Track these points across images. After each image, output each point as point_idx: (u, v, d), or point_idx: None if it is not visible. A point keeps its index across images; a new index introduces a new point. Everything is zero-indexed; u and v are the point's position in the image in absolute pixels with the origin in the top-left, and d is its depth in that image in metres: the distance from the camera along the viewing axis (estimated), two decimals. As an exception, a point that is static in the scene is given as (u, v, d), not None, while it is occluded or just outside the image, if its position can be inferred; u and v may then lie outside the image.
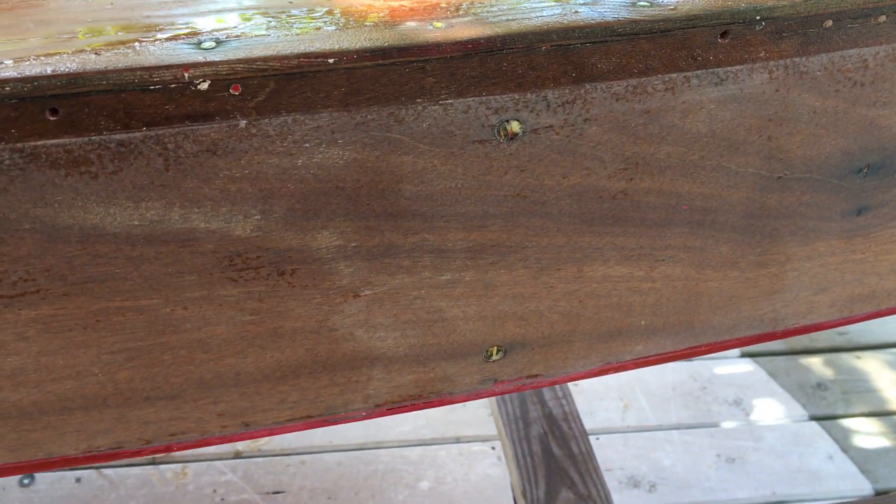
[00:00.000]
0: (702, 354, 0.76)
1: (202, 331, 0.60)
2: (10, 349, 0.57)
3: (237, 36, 0.53)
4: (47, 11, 0.60)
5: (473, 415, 1.80)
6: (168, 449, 0.65)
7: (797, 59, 0.61)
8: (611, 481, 1.63)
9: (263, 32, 0.54)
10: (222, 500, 1.58)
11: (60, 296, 0.56)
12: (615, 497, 1.58)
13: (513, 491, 1.39)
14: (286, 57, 0.51)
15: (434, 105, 0.55)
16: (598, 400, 1.87)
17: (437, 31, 0.54)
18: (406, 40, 0.53)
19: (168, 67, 0.50)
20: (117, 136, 0.51)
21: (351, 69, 0.53)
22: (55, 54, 0.50)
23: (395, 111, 0.55)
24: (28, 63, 0.49)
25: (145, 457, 1.66)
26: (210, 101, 0.51)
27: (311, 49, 0.52)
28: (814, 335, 2.08)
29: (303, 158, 0.55)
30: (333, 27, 0.55)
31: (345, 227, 0.58)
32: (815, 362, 2.00)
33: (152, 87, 0.50)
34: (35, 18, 0.58)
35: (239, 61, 0.51)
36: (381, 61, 0.53)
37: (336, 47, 0.52)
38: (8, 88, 0.48)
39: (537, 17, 0.56)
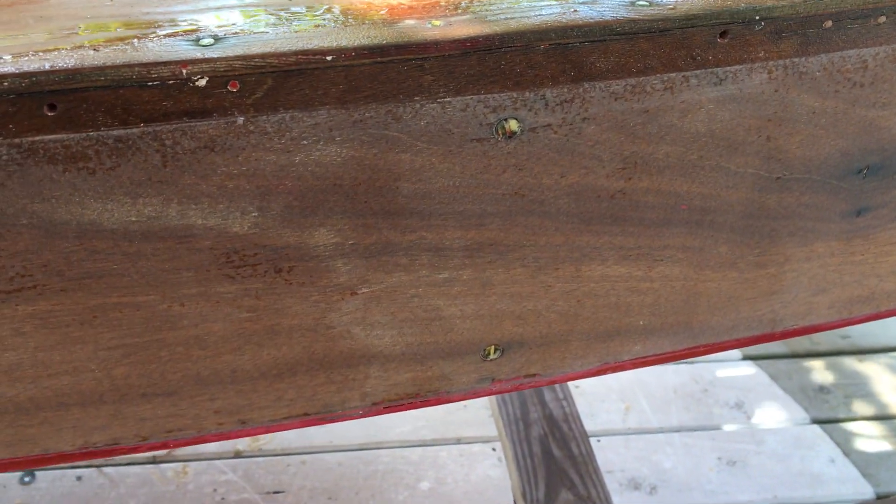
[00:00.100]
0: (700, 355, 0.76)
1: (199, 328, 0.60)
2: (6, 344, 0.57)
3: (235, 33, 0.53)
4: (47, 7, 0.60)
5: (474, 416, 1.80)
6: (164, 445, 0.65)
7: (796, 60, 0.61)
8: (611, 483, 1.63)
9: (262, 29, 0.54)
10: (222, 499, 1.58)
11: (57, 291, 0.56)
12: (616, 499, 1.58)
13: (513, 492, 1.39)
14: (284, 54, 0.51)
15: (432, 103, 0.55)
16: (600, 402, 1.87)
17: (436, 29, 0.54)
18: (404, 38, 0.53)
19: (166, 64, 0.50)
20: (115, 132, 0.51)
21: (349, 67, 0.53)
22: (54, 50, 0.50)
23: (393, 109, 0.55)
24: (26, 58, 0.49)
25: (146, 456, 1.66)
26: (208, 97, 0.51)
27: (309, 46, 0.52)
28: (816, 338, 2.08)
29: (300, 156, 0.55)
30: (332, 24, 0.55)
31: (342, 225, 0.58)
32: (818, 365, 2.00)
33: (150, 84, 0.50)
34: (35, 14, 0.58)
35: (237, 58, 0.51)
36: (379, 59, 0.53)
37: (334, 45, 0.52)
38: (6, 84, 0.48)
39: (536, 15, 0.56)
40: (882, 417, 1.83)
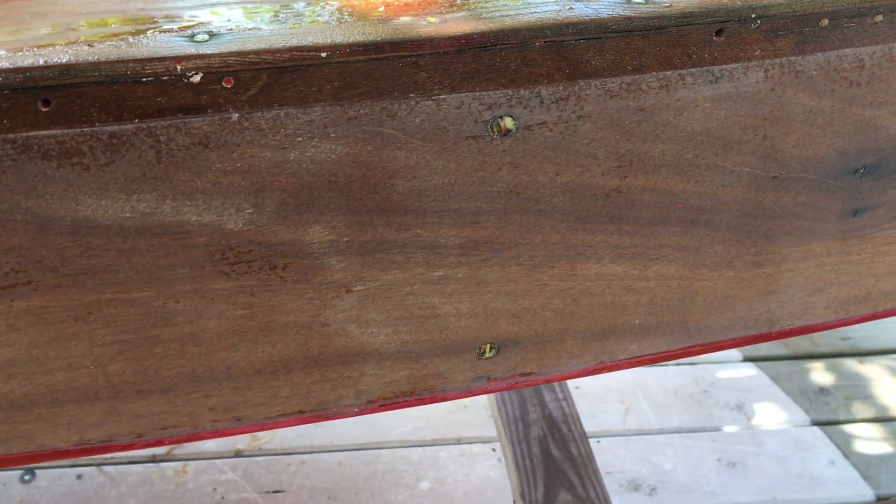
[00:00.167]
0: (696, 354, 0.75)
1: (194, 324, 0.60)
2: (1, 340, 0.57)
3: (231, 29, 0.53)
4: (43, 3, 0.60)
5: (475, 416, 1.80)
6: (160, 442, 0.65)
7: (793, 58, 0.61)
8: (611, 484, 1.63)
9: (257, 26, 0.54)
10: (222, 498, 1.58)
11: (52, 287, 0.56)
12: (615, 500, 1.58)
13: (512, 493, 1.39)
14: (278, 50, 0.51)
15: (427, 100, 0.55)
16: (600, 402, 1.86)
17: (431, 25, 0.54)
18: (399, 35, 0.53)
19: (160, 59, 0.50)
20: (109, 128, 0.51)
21: (343, 63, 0.53)
22: (48, 45, 0.50)
23: (387, 106, 0.55)
24: (21, 54, 0.49)
25: (146, 455, 1.66)
26: (202, 93, 0.51)
27: (304, 43, 0.52)
28: (816, 340, 2.07)
29: (295, 152, 0.55)
30: (328, 21, 0.55)
31: (337, 222, 0.58)
32: (818, 367, 1.99)
33: (144, 80, 0.50)
34: (31, 10, 0.58)
35: (231, 54, 0.51)
36: (373, 55, 0.53)
37: (329, 41, 0.52)
38: (0, 79, 0.48)
39: (531, 12, 0.56)
40: (882, 419, 1.83)
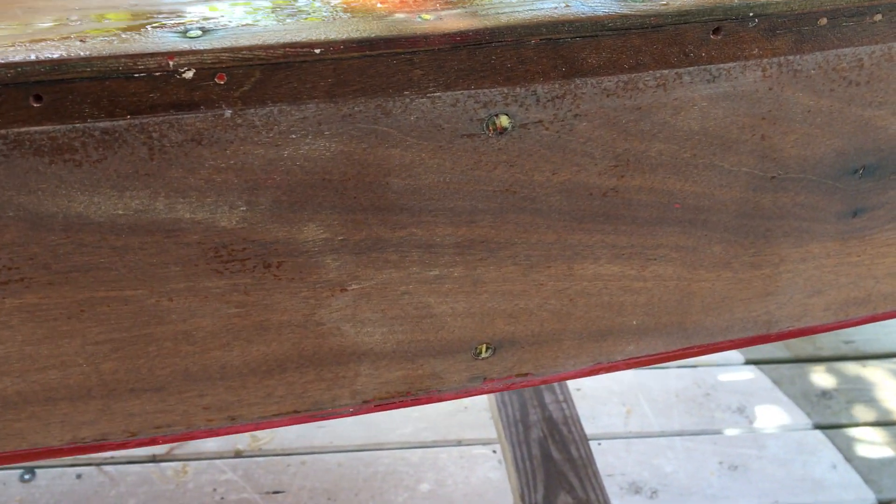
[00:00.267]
0: (694, 356, 0.75)
1: (187, 322, 0.59)
2: None
3: (224, 25, 0.53)
4: None
5: (475, 417, 1.80)
6: (153, 441, 0.65)
7: (791, 58, 0.61)
8: (612, 487, 1.62)
9: (251, 22, 0.54)
10: (222, 498, 1.58)
11: (45, 284, 0.55)
12: (616, 502, 1.58)
13: (512, 494, 1.39)
14: (272, 46, 0.51)
15: (422, 98, 0.55)
16: (601, 405, 1.86)
17: (426, 23, 0.54)
18: (393, 31, 0.53)
19: (152, 55, 0.50)
20: (101, 124, 0.51)
21: (337, 60, 0.52)
22: (40, 41, 0.50)
23: (382, 103, 0.54)
24: (13, 49, 0.49)
25: (146, 454, 1.66)
26: (195, 89, 0.51)
27: (297, 39, 0.51)
28: (819, 343, 2.07)
29: (289, 150, 0.54)
30: (323, 17, 0.55)
31: (332, 220, 0.58)
32: (820, 370, 1.99)
33: (137, 75, 0.50)
34: (24, 6, 0.58)
35: (224, 50, 0.50)
36: (368, 52, 0.52)
37: (322, 37, 0.52)
38: (-8, 74, 0.48)
39: (527, 10, 0.56)
40: (885, 423, 1.82)
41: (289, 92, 0.52)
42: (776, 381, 1.94)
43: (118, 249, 0.55)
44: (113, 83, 0.49)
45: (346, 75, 0.53)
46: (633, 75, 0.58)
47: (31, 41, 0.50)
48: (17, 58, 0.48)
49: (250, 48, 0.51)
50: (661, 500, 1.60)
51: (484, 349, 0.68)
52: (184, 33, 0.51)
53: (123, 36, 0.51)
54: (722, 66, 0.59)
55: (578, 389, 1.89)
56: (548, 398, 1.49)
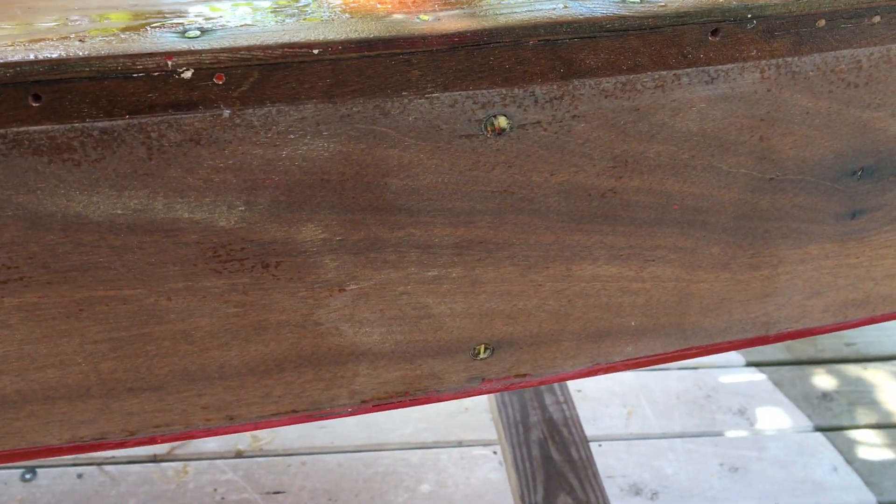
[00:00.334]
0: (692, 357, 0.75)
1: (186, 322, 0.60)
2: None
3: (223, 25, 0.53)
4: None
5: (476, 419, 1.80)
6: (152, 441, 0.65)
7: (789, 59, 0.61)
8: (612, 488, 1.62)
9: (249, 22, 0.54)
10: (223, 498, 1.58)
11: (44, 284, 0.56)
12: (616, 504, 1.58)
13: (512, 495, 1.39)
14: (270, 47, 0.51)
15: (420, 98, 0.55)
16: (602, 406, 1.86)
17: (424, 23, 0.54)
18: (392, 32, 0.53)
19: (151, 55, 0.50)
20: (100, 124, 0.51)
21: (336, 60, 0.52)
22: (39, 41, 0.50)
23: (380, 104, 0.54)
24: (12, 49, 0.49)
25: (147, 454, 1.66)
26: (193, 89, 0.51)
27: (296, 39, 0.52)
28: (820, 345, 2.07)
29: (287, 150, 0.54)
30: (322, 18, 0.55)
31: (330, 220, 0.58)
32: (821, 372, 1.99)
33: (135, 75, 0.50)
34: (23, 5, 0.58)
35: (223, 50, 0.50)
36: (366, 53, 0.53)
37: (321, 38, 0.52)
38: (-9, 74, 0.48)
39: (525, 11, 0.56)
40: (886, 426, 1.82)
41: (287, 92, 0.52)
42: (777, 383, 1.94)
43: (117, 249, 0.55)
44: (112, 83, 0.50)
45: (344, 76, 0.53)
46: (631, 76, 0.58)
47: (31, 41, 0.50)
48: (17, 57, 0.48)
49: (249, 48, 0.51)
50: (661, 502, 1.60)
51: (482, 350, 0.68)
52: (182, 33, 0.52)
53: (122, 36, 0.51)
54: (720, 67, 0.59)
55: (579, 391, 1.88)
56: (548, 399, 1.49)
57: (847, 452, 1.74)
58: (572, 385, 1.82)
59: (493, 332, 0.67)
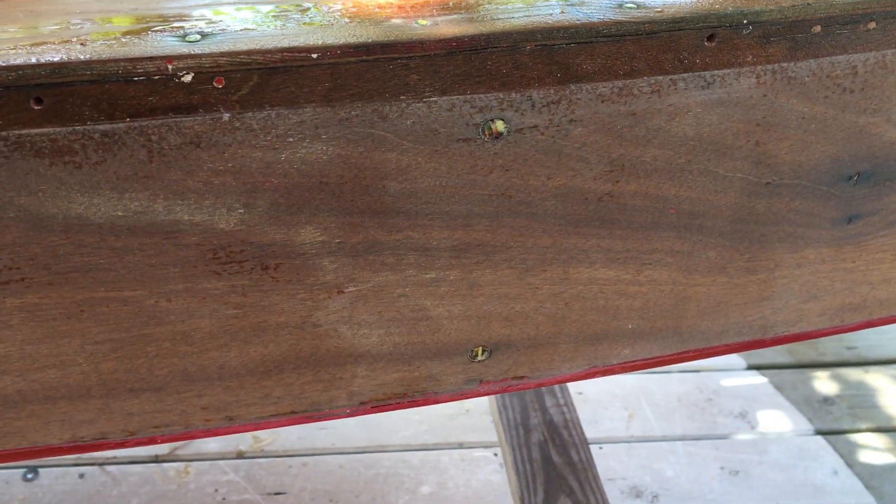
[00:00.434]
0: (690, 360, 0.75)
1: (186, 323, 0.60)
2: None
3: (223, 29, 0.54)
4: (39, 2, 0.60)
5: (477, 420, 1.80)
6: (152, 441, 0.65)
7: (785, 65, 0.61)
8: (613, 491, 1.62)
9: (250, 26, 0.54)
10: (224, 499, 1.59)
11: (45, 285, 0.56)
12: (616, 506, 1.58)
13: (512, 497, 1.39)
14: (269, 51, 0.52)
15: (418, 102, 0.55)
16: (603, 409, 1.86)
17: (422, 28, 0.55)
18: (390, 37, 0.53)
19: (152, 59, 0.50)
20: (101, 127, 0.51)
21: (334, 64, 0.53)
22: (42, 44, 0.51)
23: (378, 108, 0.55)
24: (14, 52, 0.49)
25: (149, 455, 1.67)
26: (194, 93, 0.51)
27: (295, 44, 0.52)
28: (821, 349, 2.07)
29: (286, 153, 0.55)
30: (321, 22, 0.55)
31: (329, 223, 0.58)
32: (822, 376, 1.99)
33: (136, 79, 0.50)
34: (26, 9, 0.59)
35: (222, 54, 0.51)
36: (364, 57, 0.53)
37: (320, 42, 0.52)
38: (-7, 77, 0.48)
39: (522, 16, 0.56)
40: (886, 429, 1.82)
41: (286, 96, 0.53)
42: (778, 387, 1.94)
43: (117, 250, 0.56)
44: (113, 86, 0.50)
45: (342, 80, 0.53)
46: (627, 81, 0.58)
47: (33, 44, 0.50)
48: (19, 60, 0.49)
49: (248, 52, 0.51)
50: (661, 505, 1.61)
51: (480, 352, 0.68)
52: (183, 37, 0.52)
53: (123, 40, 0.52)
54: (716, 72, 0.60)
55: (580, 393, 1.89)
56: (549, 402, 1.49)
57: (848, 456, 1.74)
58: (573, 387, 1.82)
59: (491, 334, 0.67)
